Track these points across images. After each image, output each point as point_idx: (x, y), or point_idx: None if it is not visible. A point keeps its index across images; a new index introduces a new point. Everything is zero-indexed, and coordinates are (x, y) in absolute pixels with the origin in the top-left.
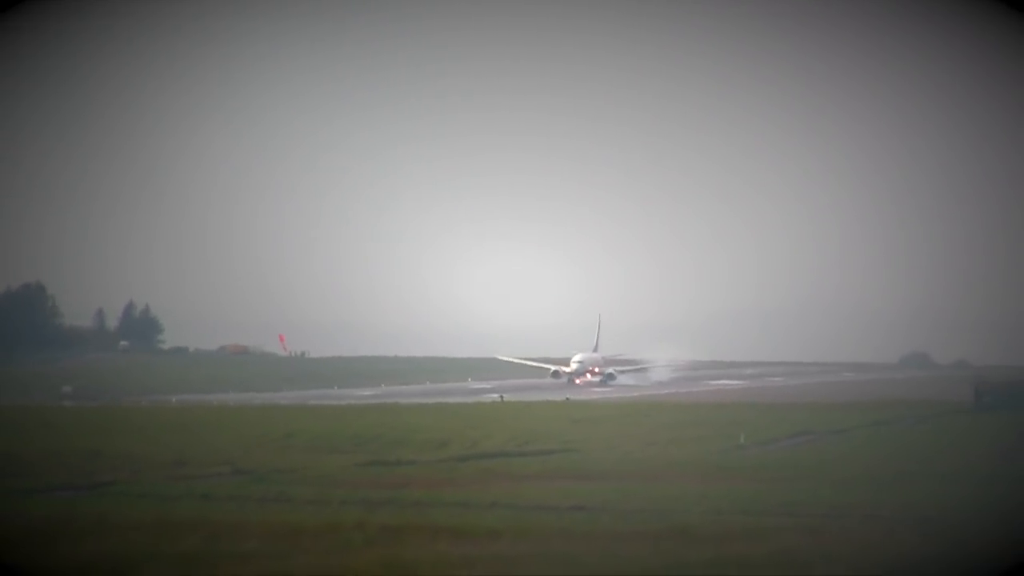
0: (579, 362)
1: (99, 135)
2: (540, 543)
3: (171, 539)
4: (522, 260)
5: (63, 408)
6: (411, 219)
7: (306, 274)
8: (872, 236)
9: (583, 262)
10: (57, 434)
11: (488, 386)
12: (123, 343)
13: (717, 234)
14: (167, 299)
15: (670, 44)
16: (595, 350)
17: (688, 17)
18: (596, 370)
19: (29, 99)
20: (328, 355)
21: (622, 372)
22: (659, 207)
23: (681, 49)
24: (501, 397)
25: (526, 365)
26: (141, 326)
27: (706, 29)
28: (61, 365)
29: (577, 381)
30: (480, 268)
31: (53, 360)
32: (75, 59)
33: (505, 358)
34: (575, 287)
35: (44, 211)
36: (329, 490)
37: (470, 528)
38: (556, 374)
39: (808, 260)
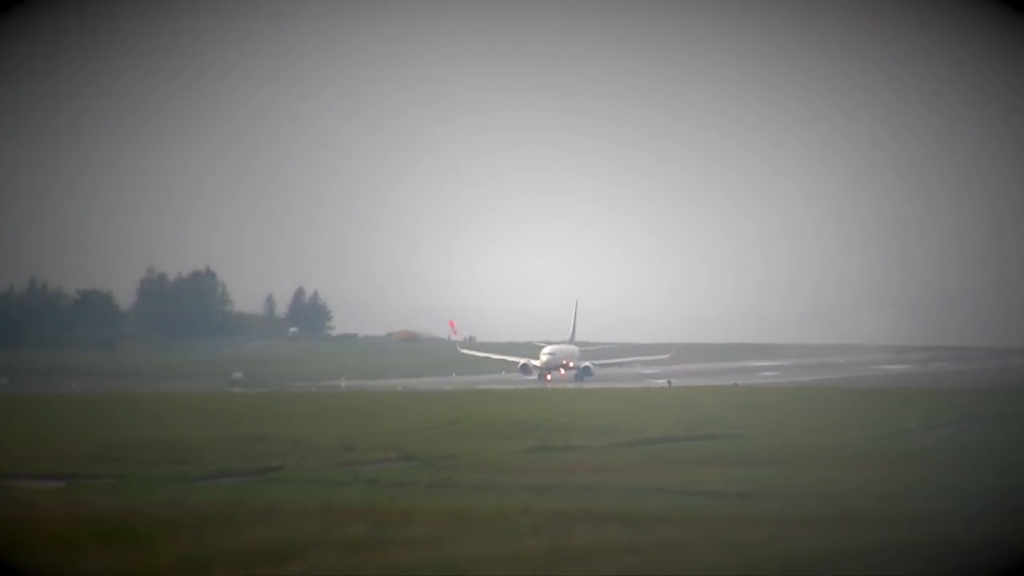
0: (550, 354)
1: (268, 124)
2: (707, 528)
3: (338, 525)
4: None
5: (232, 394)
6: (585, 206)
7: (476, 260)
8: None
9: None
10: (226, 420)
11: (655, 371)
12: (292, 329)
13: (892, 220)
14: (336, 285)
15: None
16: (571, 340)
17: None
18: (571, 364)
19: (195, 88)
20: (496, 340)
21: (602, 365)
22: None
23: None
24: (668, 382)
25: (491, 359)
26: (310, 312)
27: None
28: (231, 351)
29: (548, 377)
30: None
31: (223, 346)
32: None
33: (468, 351)
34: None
35: (214, 198)
36: (496, 476)
37: (637, 514)
38: (525, 368)
39: (977, 243)
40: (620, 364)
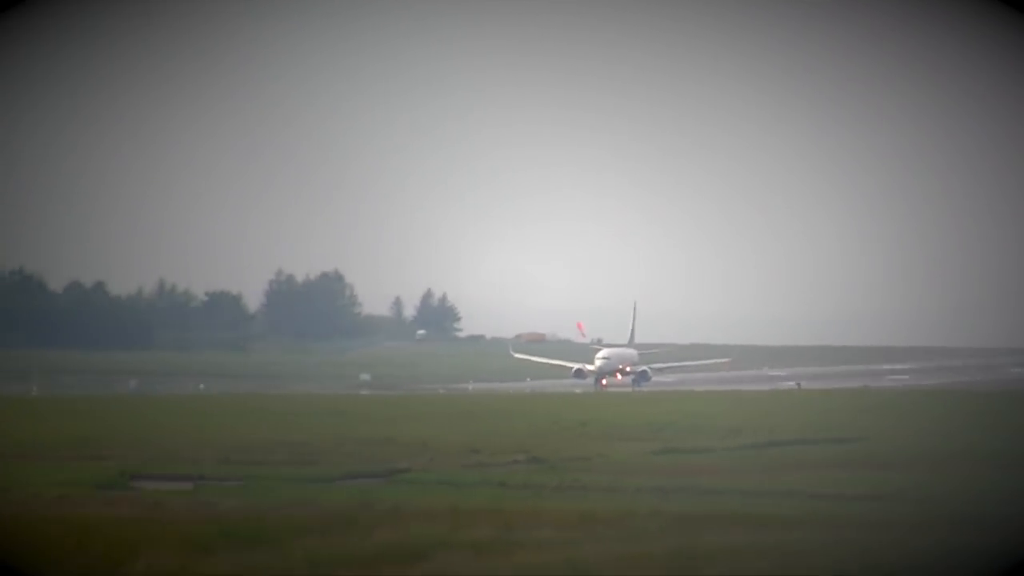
0: (605, 358)
1: (400, 128)
2: (835, 532)
3: (465, 527)
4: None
5: (360, 396)
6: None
7: (602, 262)
8: None
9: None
10: (354, 422)
11: (784, 373)
12: (420, 332)
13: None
14: (465, 287)
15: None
16: (629, 343)
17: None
18: (627, 368)
19: (323, 92)
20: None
21: (660, 370)
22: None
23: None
24: (798, 384)
25: (545, 364)
26: (438, 315)
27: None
28: (359, 353)
29: (603, 382)
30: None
31: (351, 348)
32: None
33: (520, 356)
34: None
35: (343, 200)
36: (623, 478)
37: (764, 516)
38: (579, 373)
39: None
40: (680, 369)
